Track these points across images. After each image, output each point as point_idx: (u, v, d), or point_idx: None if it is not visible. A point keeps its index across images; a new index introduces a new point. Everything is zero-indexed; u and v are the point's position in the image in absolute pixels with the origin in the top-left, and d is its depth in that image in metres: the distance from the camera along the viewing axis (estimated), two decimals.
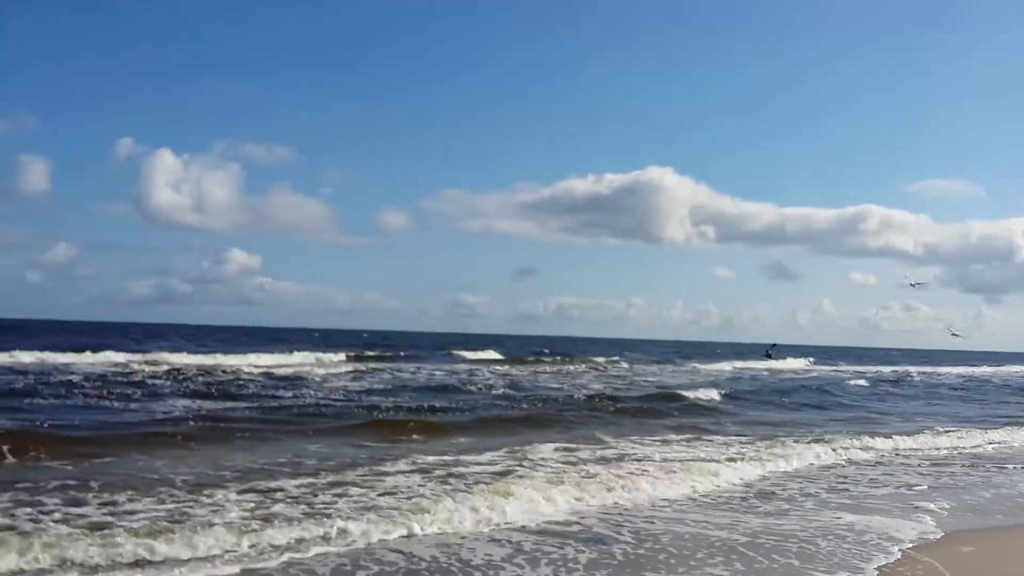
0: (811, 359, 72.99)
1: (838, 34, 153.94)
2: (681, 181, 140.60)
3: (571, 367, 47.72)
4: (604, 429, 18.43)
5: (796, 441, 17.24)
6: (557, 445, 15.19)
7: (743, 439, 17.58)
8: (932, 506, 11.51)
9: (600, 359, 56.22)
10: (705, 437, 17.88)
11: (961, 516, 11.02)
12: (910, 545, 9.25)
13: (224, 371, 31.62)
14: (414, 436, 16.17)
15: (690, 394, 26.58)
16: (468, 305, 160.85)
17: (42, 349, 36.35)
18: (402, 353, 52.95)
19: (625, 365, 52.46)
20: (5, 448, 12.32)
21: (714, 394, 27.33)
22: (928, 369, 68.13)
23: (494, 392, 26.64)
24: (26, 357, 33.46)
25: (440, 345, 72.43)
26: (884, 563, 8.51)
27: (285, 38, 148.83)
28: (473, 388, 27.86)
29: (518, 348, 72.87)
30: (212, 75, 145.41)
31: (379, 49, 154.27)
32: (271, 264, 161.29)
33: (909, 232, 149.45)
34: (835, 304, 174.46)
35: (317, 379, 30.00)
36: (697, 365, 55.80)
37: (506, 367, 44.78)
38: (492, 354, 56.52)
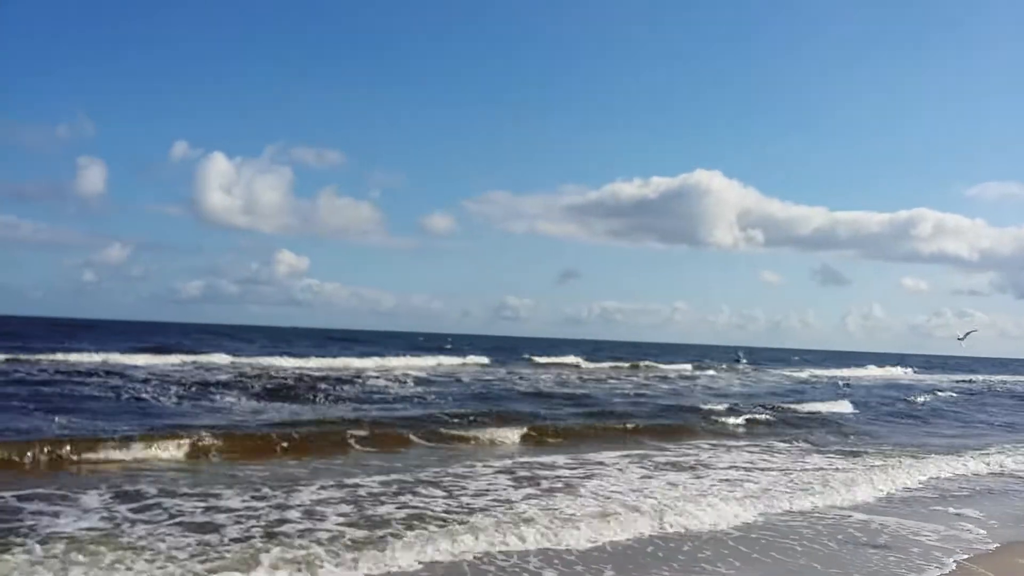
0: (911, 368, 71.18)
1: (890, 37, 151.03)
2: (729, 184, 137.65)
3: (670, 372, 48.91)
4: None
5: None
6: None
7: None
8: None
9: (686, 365, 56.14)
10: None
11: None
12: (964, 556, 9.15)
13: (368, 374, 31.72)
14: None
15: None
16: (512, 308, 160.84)
17: (127, 351, 37.19)
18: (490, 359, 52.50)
19: (712, 373, 52.92)
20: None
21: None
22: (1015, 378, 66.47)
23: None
24: (140, 359, 34.12)
25: (498, 347, 72.75)
26: (938, 575, 8.41)
27: (337, 43, 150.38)
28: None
29: (587, 352, 71.37)
30: (266, 79, 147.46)
31: (428, 53, 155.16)
32: (319, 266, 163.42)
33: (964, 237, 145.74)
34: (885, 310, 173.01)
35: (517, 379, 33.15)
36: (789, 372, 55.69)
37: (616, 372, 46.64)
38: (573, 359, 55.96)
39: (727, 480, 13.01)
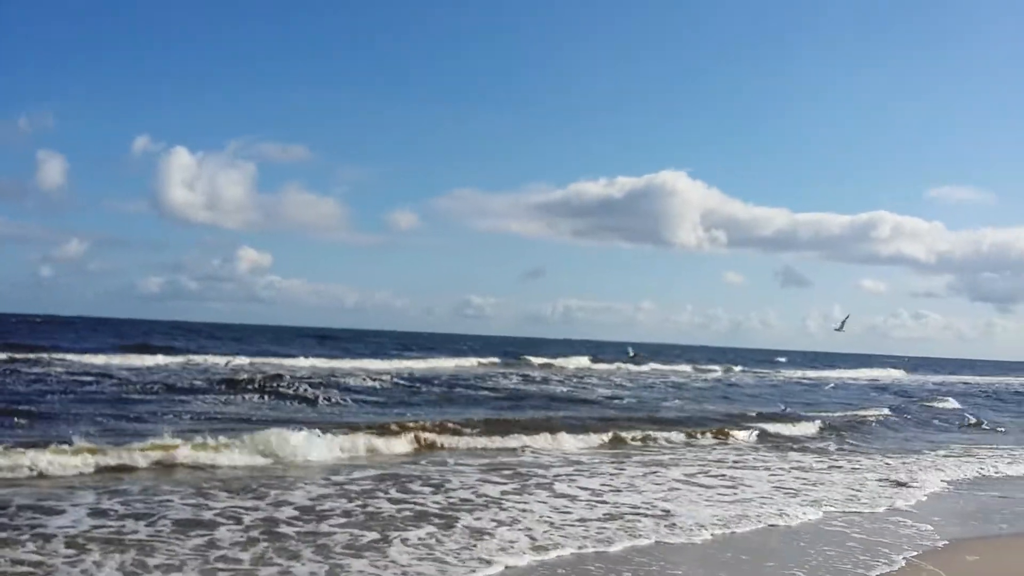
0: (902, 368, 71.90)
1: (853, 38, 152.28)
2: (694, 185, 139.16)
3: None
4: None
5: None
6: None
7: None
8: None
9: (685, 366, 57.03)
10: None
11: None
12: (914, 553, 9.53)
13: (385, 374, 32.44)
14: None
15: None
16: (475, 306, 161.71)
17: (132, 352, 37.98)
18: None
19: (718, 369, 53.54)
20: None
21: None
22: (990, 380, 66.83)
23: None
24: (161, 358, 35.16)
25: (486, 346, 72.93)
26: (887, 571, 8.81)
27: (304, 38, 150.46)
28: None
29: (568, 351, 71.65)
30: (231, 73, 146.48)
31: (396, 49, 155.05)
32: (282, 262, 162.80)
33: (922, 240, 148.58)
34: (845, 311, 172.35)
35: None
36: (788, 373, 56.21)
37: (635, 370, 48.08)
38: (582, 361, 55.67)
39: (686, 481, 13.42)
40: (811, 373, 60.50)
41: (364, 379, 29.40)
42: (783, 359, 79.29)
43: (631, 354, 53.97)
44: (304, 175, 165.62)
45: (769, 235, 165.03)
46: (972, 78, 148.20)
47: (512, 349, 67.76)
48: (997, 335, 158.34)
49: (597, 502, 11.44)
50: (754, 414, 24.16)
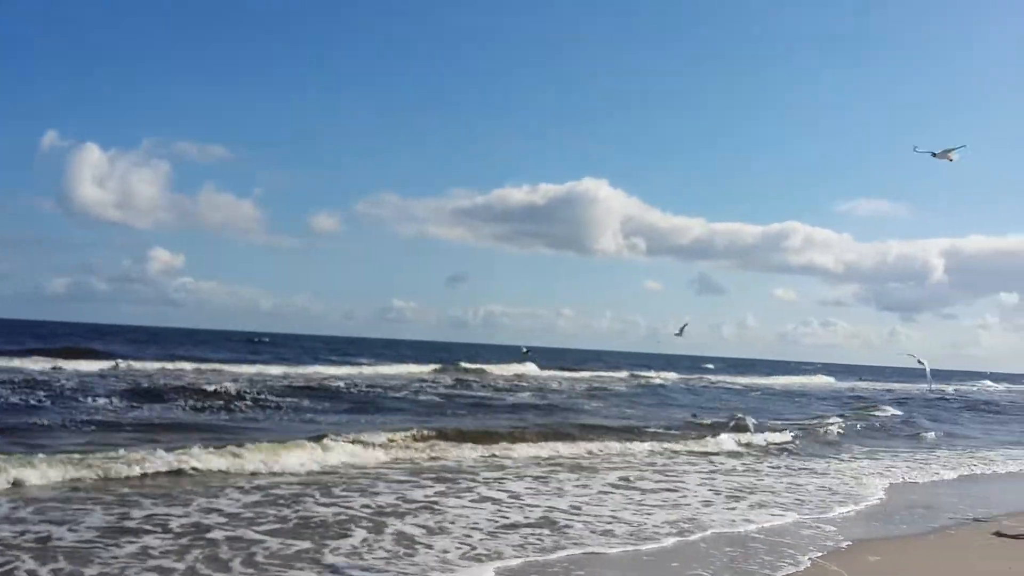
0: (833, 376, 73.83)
1: (770, 54, 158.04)
2: (614, 193, 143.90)
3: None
4: None
5: None
6: None
7: None
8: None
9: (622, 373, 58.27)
10: None
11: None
12: (819, 554, 10.05)
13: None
14: None
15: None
16: (397, 310, 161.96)
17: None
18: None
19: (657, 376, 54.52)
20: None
21: None
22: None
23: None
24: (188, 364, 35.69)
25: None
26: (792, 572, 9.29)
27: (220, 34, 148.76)
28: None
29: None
30: (147, 69, 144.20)
31: (319, 51, 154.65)
32: (196, 264, 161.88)
33: (831, 250, 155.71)
34: (757, 318, 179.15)
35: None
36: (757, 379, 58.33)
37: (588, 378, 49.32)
38: (531, 367, 55.57)
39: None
40: (743, 380, 61.92)
41: (345, 385, 29.67)
42: (710, 365, 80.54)
43: (524, 351, 54.27)
44: (222, 175, 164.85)
45: (686, 244, 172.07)
46: (884, 96, 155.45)
47: (446, 355, 68.12)
48: (901, 343, 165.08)
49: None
50: (709, 422, 24.92)
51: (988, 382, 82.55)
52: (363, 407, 25.48)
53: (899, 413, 33.94)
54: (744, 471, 16.71)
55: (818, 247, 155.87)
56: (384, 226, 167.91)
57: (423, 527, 10.33)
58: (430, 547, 9.41)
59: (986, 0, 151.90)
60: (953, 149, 12.24)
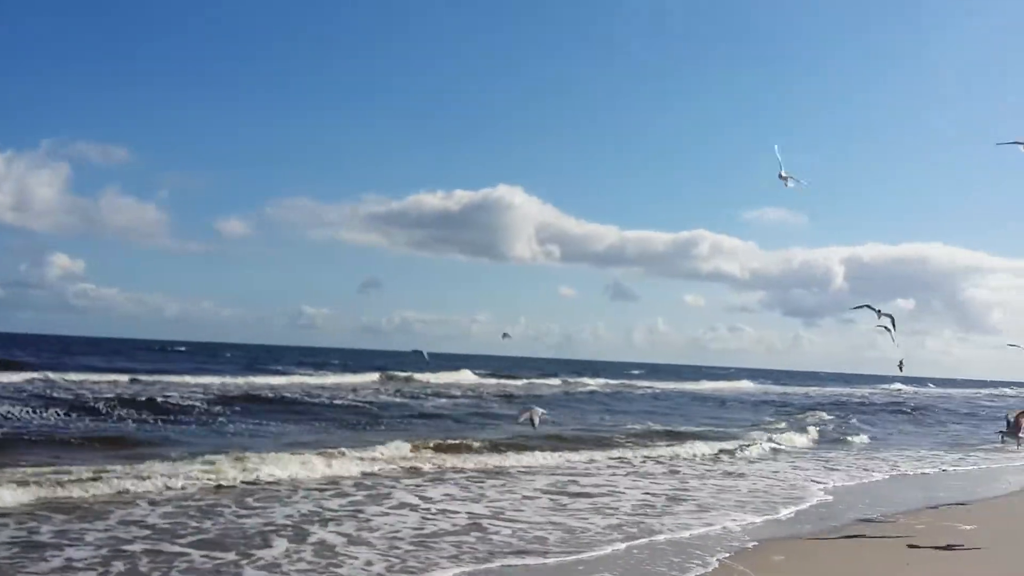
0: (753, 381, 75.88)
1: (678, 65, 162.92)
2: (529, 200, 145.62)
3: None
4: None
5: None
6: None
7: None
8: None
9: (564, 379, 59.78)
10: None
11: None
12: (727, 554, 10.53)
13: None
14: None
15: None
16: (309, 316, 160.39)
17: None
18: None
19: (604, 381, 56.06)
20: None
21: None
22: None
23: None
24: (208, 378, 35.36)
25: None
26: (701, 572, 9.74)
27: (126, 32, 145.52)
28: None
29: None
30: (45, 69, 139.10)
31: (227, 51, 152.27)
32: (97, 270, 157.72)
33: (737, 258, 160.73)
34: (668, 324, 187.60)
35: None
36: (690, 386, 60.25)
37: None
38: (467, 374, 55.79)
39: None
40: (668, 385, 63.37)
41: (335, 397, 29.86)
42: (637, 372, 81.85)
43: (417, 351, 54.50)
44: (125, 178, 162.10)
45: (600, 250, 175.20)
46: (787, 107, 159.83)
47: (367, 363, 67.90)
48: (804, 347, 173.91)
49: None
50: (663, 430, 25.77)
51: (899, 384, 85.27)
52: (362, 422, 25.52)
53: (830, 418, 35.04)
54: (676, 477, 17.16)
55: (725, 254, 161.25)
56: (295, 231, 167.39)
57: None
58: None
59: (872, 8, 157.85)
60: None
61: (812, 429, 28.38)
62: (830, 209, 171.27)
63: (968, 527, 12.34)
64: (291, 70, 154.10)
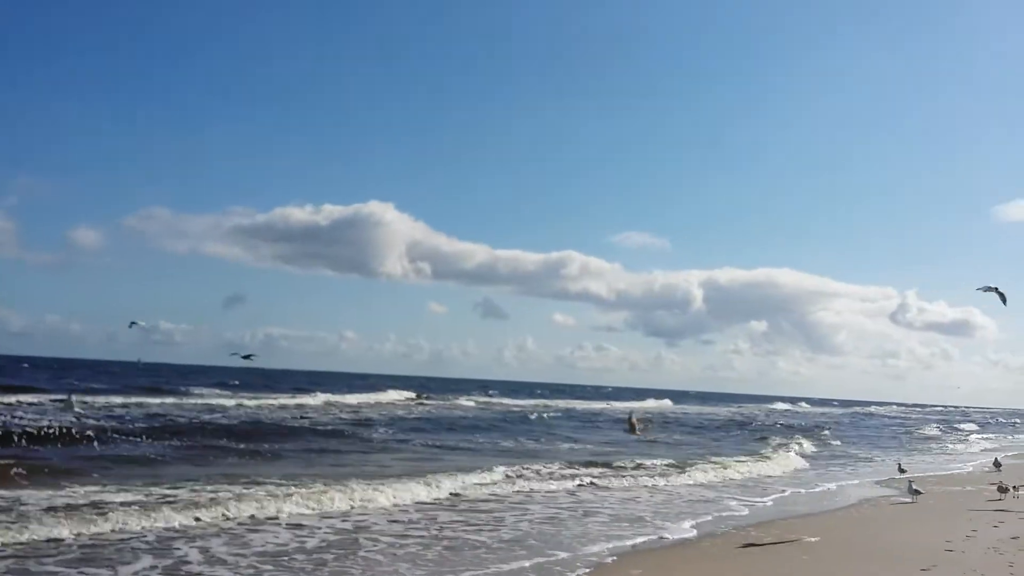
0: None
1: (553, 87, 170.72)
2: (400, 217, 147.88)
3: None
4: None
5: None
6: None
7: None
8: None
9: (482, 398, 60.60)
10: None
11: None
12: (587, 570, 10.72)
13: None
14: None
15: None
16: (165, 332, 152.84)
17: None
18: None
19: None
20: None
21: None
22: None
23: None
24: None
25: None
26: None
27: None
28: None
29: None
30: None
31: (80, 44, 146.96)
32: None
33: (604, 279, 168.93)
34: (537, 342, 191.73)
35: None
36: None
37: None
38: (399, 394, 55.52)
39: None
40: (562, 404, 64.33)
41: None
42: (494, 391, 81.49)
43: (240, 355, 53.81)
44: None
45: (471, 268, 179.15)
46: (654, 138, 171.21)
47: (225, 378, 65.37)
48: (665, 366, 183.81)
49: None
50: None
51: (805, 404, 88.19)
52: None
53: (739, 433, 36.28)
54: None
55: (592, 275, 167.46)
56: (153, 242, 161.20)
57: None
58: None
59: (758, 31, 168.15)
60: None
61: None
62: (687, 234, 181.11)
63: (813, 539, 13.08)
64: (151, 72, 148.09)
